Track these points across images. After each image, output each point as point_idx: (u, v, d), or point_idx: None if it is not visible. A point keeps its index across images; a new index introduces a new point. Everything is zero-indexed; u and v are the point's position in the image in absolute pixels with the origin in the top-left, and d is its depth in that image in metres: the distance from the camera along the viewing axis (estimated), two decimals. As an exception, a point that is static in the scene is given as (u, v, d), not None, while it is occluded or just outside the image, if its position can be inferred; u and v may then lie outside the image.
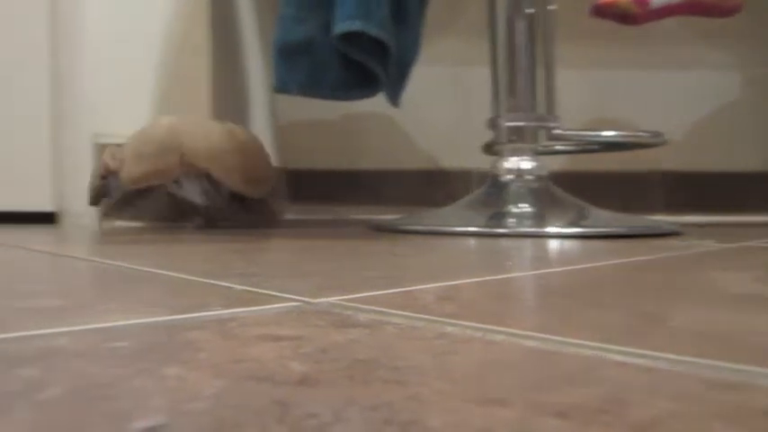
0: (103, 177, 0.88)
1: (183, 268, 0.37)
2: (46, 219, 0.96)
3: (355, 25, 0.86)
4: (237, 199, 0.90)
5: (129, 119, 1.01)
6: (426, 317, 0.23)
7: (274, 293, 0.28)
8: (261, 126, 1.30)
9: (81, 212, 0.99)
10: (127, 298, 0.27)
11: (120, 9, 1.01)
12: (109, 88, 1.01)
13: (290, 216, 1.41)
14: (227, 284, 0.30)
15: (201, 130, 0.86)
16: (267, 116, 1.35)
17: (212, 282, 0.31)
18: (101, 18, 1.01)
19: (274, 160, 1.37)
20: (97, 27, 1.01)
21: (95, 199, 0.89)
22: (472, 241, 0.64)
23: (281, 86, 0.94)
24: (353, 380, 0.15)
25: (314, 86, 0.94)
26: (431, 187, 1.37)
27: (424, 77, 1.26)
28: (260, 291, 0.29)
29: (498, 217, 0.78)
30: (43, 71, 0.99)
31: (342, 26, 0.86)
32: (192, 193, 0.86)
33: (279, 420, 0.12)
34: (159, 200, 0.89)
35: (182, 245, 0.57)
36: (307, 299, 0.27)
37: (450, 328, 0.21)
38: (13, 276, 0.35)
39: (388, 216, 1.22)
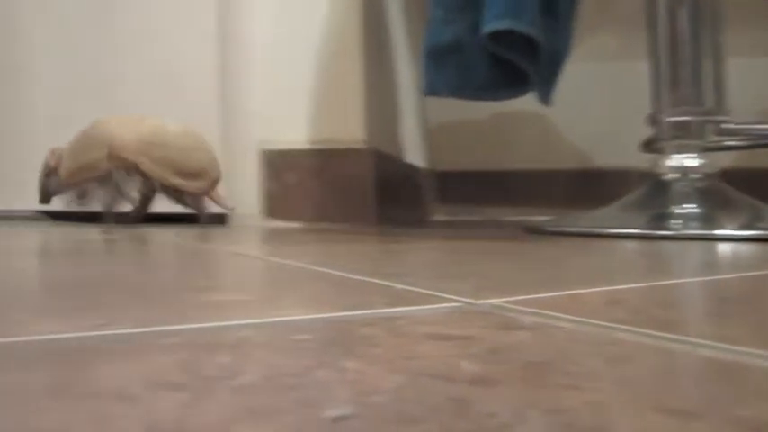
0: (47, 176, 0.94)
1: (342, 267, 0.39)
2: (218, 220, 1.04)
3: (505, 24, 0.85)
4: (174, 192, 0.90)
5: (289, 125, 1.08)
6: (594, 321, 0.22)
7: (435, 293, 0.28)
8: (411, 129, 1.32)
9: (248, 213, 1.07)
10: (298, 294, 0.28)
11: (282, 19, 1.08)
12: (271, 96, 1.08)
13: (438, 217, 1.42)
14: (386, 283, 0.31)
15: (132, 125, 0.88)
16: (417, 119, 1.37)
17: (372, 280, 0.33)
18: (265, 31, 1.08)
19: (425, 162, 1.39)
20: (261, 39, 1.08)
21: (43, 196, 0.94)
22: (633, 244, 0.61)
23: (431, 89, 0.95)
24: (527, 382, 0.15)
25: (463, 87, 0.94)
26: (585, 188, 1.32)
27: (577, 74, 1.21)
28: (420, 290, 0.29)
29: (661, 218, 0.74)
30: (213, 84, 1.07)
31: (491, 25, 0.85)
32: (124, 186, 0.88)
33: (459, 417, 0.12)
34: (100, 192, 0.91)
35: (337, 244, 0.60)
36: (468, 299, 0.27)
37: (621, 334, 0.20)
38: (194, 273, 0.38)
39: (538, 218, 1.19)
